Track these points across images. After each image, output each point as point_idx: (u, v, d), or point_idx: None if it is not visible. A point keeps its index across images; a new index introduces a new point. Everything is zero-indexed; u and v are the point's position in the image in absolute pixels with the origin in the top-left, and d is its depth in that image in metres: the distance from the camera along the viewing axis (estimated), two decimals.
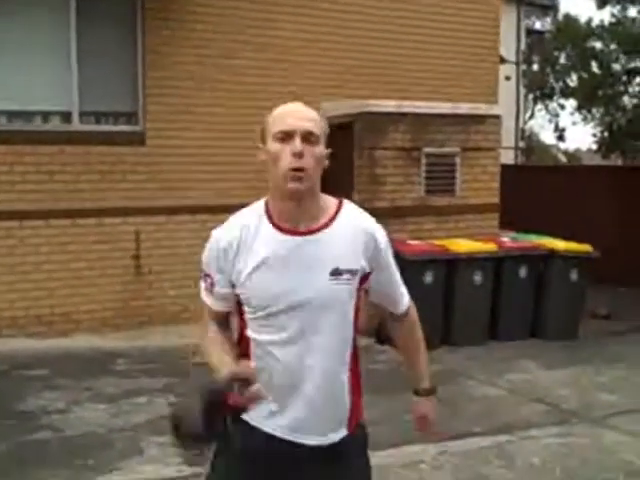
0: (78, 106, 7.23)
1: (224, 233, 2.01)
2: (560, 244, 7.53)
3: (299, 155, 1.91)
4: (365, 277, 2.04)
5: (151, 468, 4.18)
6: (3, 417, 4.95)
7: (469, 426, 4.94)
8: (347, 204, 2.07)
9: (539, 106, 18.25)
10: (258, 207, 2.04)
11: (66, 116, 7.26)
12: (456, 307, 7.06)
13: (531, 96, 17.98)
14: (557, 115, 15.60)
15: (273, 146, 1.95)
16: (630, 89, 12.52)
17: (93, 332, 7.22)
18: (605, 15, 15.32)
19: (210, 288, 2.05)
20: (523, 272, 7.35)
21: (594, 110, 14.00)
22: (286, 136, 1.93)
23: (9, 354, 6.42)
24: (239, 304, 2.04)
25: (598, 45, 12.80)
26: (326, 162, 2.02)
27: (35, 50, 7.06)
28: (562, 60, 14.49)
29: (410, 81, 8.69)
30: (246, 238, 1.98)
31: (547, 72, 15.40)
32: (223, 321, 2.11)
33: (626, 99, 12.68)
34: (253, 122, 9.09)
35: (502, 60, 12.25)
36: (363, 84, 8.39)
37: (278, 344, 1.97)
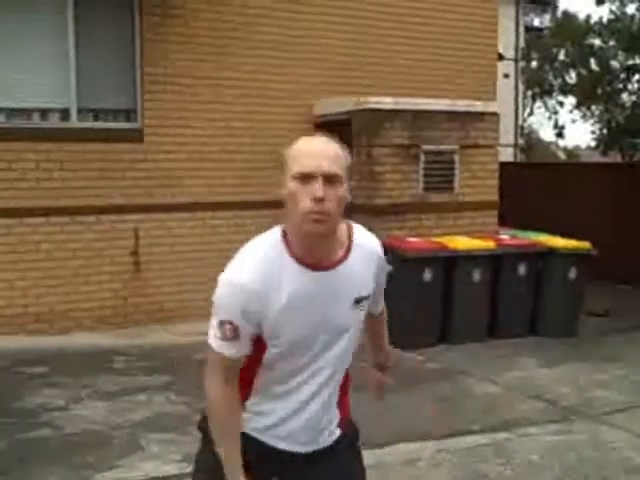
0: (76, 103, 7.22)
1: (247, 277, 1.87)
2: (559, 241, 7.52)
3: (320, 200, 1.80)
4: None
5: (151, 465, 4.18)
6: (2, 415, 4.95)
7: (467, 423, 4.94)
8: (355, 229, 2.05)
9: (538, 103, 18.22)
10: (275, 242, 1.93)
11: (64, 113, 7.26)
12: (455, 304, 7.05)
13: (530, 93, 17.95)
14: (556, 112, 15.57)
15: (292, 185, 1.83)
16: (629, 86, 12.50)
17: (92, 330, 7.23)
18: (604, 12, 15.29)
19: (232, 335, 1.89)
20: (522, 269, 7.34)
21: (593, 107, 13.96)
22: (306, 177, 1.81)
23: (8, 352, 6.42)
24: (258, 341, 1.95)
25: (597, 42, 12.77)
26: (349, 198, 1.89)
27: (33, 48, 7.05)
28: (561, 57, 14.47)
29: (408, 78, 8.70)
30: (272, 278, 1.87)
31: (546, 69, 15.37)
32: (236, 373, 1.96)
33: (625, 96, 12.66)
34: (252, 119, 9.10)
35: (500, 57, 12.24)
36: (361, 81, 8.39)
37: (288, 374, 1.98)
